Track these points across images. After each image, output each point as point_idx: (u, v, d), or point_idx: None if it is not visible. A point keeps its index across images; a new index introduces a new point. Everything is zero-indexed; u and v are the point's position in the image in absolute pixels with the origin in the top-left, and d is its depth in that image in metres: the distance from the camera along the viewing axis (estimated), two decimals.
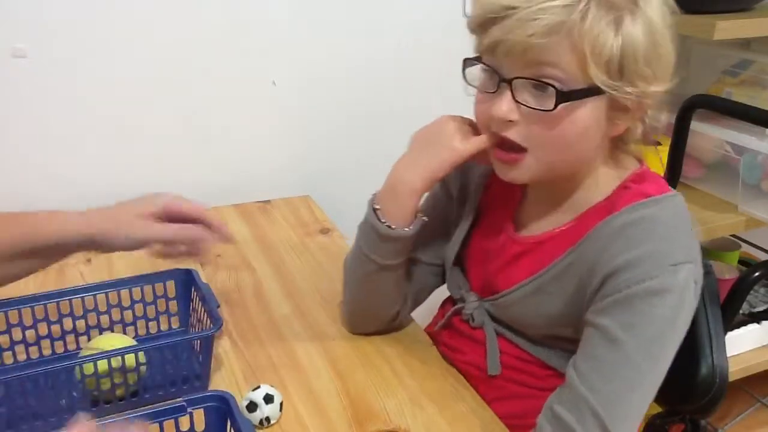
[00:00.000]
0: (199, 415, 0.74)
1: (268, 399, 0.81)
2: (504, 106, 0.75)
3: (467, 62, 0.80)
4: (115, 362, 0.82)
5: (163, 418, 0.72)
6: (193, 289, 0.97)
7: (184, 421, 0.73)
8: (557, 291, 0.80)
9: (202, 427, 0.75)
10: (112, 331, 0.95)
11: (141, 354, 0.85)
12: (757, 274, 1.51)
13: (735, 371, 1.55)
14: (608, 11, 0.71)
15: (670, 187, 0.81)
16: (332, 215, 1.37)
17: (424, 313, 1.09)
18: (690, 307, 0.75)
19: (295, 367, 0.93)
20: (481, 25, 0.75)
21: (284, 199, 1.43)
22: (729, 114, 1.48)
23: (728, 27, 1.39)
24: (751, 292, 1.70)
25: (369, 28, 1.46)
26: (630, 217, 0.76)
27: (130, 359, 0.82)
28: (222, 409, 0.74)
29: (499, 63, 0.76)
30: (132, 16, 1.28)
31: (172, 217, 0.85)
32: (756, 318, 1.68)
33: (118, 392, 0.83)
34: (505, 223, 0.89)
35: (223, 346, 0.96)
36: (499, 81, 0.76)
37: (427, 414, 0.85)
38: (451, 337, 0.95)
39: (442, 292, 1.06)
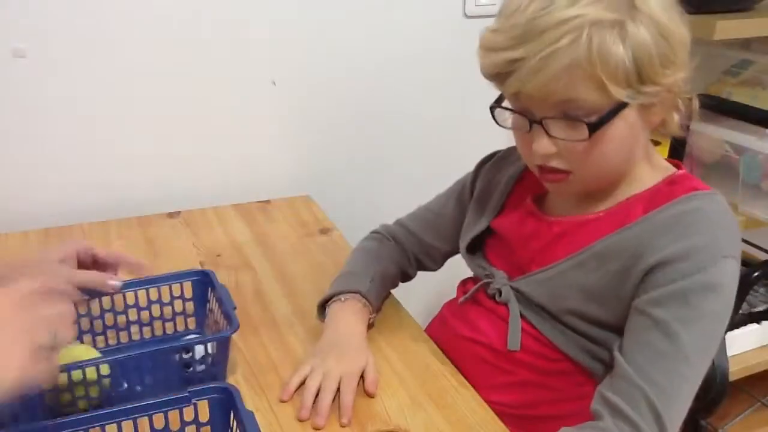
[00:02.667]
0: (203, 406, 0.74)
1: None
2: (543, 144, 0.79)
3: (494, 108, 0.83)
4: (76, 376, 0.79)
5: (167, 408, 0.73)
6: (209, 291, 0.96)
7: (188, 412, 0.74)
8: (598, 267, 0.82)
9: (206, 418, 0.75)
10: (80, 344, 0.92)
11: (104, 367, 0.81)
12: (757, 274, 1.51)
13: (735, 371, 1.55)
14: (610, 28, 0.72)
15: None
16: (332, 215, 1.37)
17: (424, 312, 1.09)
18: (732, 304, 0.78)
19: (296, 367, 0.93)
20: (495, 77, 0.78)
21: (284, 199, 1.43)
22: (729, 114, 1.49)
23: (728, 27, 1.39)
24: (751, 292, 1.70)
25: (370, 28, 1.46)
26: (686, 206, 0.79)
27: (90, 372, 0.80)
28: (226, 401, 0.74)
29: (525, 107, 0.79)
30: (132, 17, 1.28)
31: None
32: (756, 318, 1.68)
33: (81, 405, 0.81)
34: (532, 211, 0.92)
35: None
36: (530, 123, 0.79)
37: (427, 414, 0.85)
38: (470, 313, 0.96)
39: (450, 281, 1.07)
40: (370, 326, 0.99)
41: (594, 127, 0.75)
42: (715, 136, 1.55)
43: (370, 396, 0.88)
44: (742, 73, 1.65)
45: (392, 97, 1.53)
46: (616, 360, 0.77)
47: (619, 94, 0.73)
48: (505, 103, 0.82)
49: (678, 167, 0.87)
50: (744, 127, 1.52)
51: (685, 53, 0.77)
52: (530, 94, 0.75)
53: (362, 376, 0.89)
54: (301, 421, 0.83)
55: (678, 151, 1.35)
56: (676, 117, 0.82)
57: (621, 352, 0.77)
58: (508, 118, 0.83)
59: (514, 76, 0.74)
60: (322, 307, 1.00)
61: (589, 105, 0.75)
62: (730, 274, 0.77)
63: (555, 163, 0.80)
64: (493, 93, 1.48)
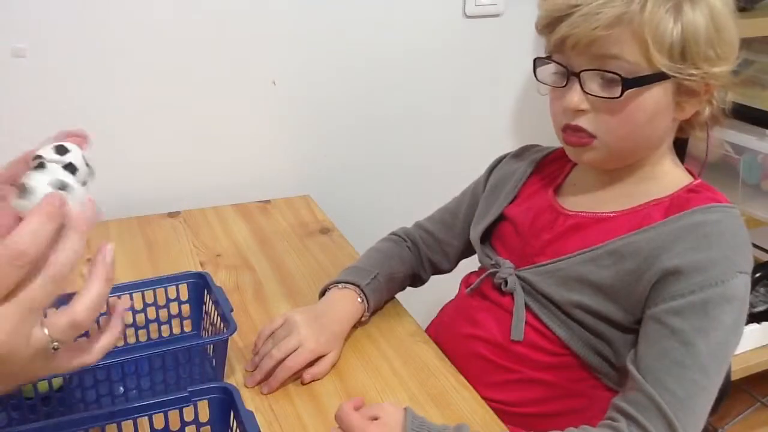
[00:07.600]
0: (203, 406, 0.75)
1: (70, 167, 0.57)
2: (575, 97, 0.81)
3: (538, 61, 0.86)
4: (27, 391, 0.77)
5: (167, 408, 0.73)
6: (206, 293, 0.95)
7: (189, 412, 0.74)
8: (612, 265, 0.83)
9: (206, 418, 0.75)
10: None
11: (56, 381, 0.80)
12: (757, 274, 1.51)
13: (735, 371, 1.54)
14: (666, 2, 0.76)
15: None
16: (332, 215, 1.37)
17: (424, 312, 1.09)
18: (745, 318, 0.79)
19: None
20: (549, 24, 0.81)
21: (284, 199, 1.43)
22: (729, 114, 1.48)
23: None
24: (751, 292, 1.70)
25: (370, 28, 1.46)
26: (707, 217, 0.80)
27: (42, 385, 0.78)
28: (226, 401, 0.75)
29: (567, 59, 0.82)
30: (132, 17, 1.28)
31: None
32: (756, 318, 1.68)
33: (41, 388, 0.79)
34: (550, 201, 0.93)
35: None
36: (568, 75, 0.82)
37: (427, 414, 0.85)
38: (472, 309, 0.96)
39: (450, 281, 1.07)
40: (360, 323, 0.99)
41: (628, 85, 0.77)
42: (715, 136, 1.55)
43: (302, 382, 0.89)
44: (741, 73, 1.65)
45: (392, 97, 1.53)
46: (631, 372, 0.77)
47: (660, 62, 0.77)
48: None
49: (693, 175, 0.89)
50: (744, 127, 1.52)
51: (731, 52, 0.81)
52: (578, 39, 0.78)
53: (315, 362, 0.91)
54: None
55: (678, 151, 1.35)
56: (708, 111, 0.85)
57: (636, 362, 0.78)
58: (549, 76, 0.85)
59: (567, 20, 0.78)
60: (323, 294, 1.01)
61: (629, 67, 0.78)
62: (744, 289, 0.78)
63: (582, 123, 0.82)
64: (492, 94, 1.48)
